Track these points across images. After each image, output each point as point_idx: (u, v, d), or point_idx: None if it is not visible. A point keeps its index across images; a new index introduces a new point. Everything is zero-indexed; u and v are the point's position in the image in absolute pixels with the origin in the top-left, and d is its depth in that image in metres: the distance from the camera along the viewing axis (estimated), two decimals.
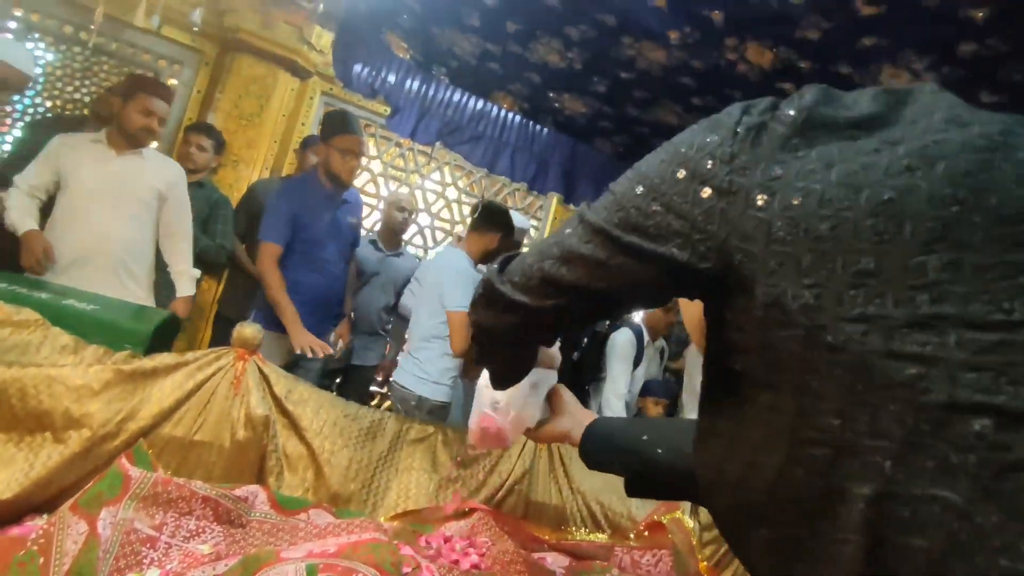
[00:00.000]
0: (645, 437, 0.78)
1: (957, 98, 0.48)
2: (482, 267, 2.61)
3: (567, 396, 0.95)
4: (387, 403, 4.16)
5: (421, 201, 4.58)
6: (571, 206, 2.83)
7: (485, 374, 0.96)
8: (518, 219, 3.01)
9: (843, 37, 1.56)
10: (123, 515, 0.89)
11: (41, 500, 1.39)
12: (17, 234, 2.25)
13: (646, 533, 1.57)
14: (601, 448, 0.84)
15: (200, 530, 0.96)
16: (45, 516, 1.32)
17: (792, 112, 0.49)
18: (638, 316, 3.32)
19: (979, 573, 0.36)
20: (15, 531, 1.15)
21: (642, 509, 1.97)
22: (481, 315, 0.67)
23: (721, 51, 1.72)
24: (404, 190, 4.44)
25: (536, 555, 1.28)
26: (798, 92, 0.51)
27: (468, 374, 2.55)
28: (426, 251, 4.58)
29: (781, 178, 0.46)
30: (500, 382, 0.80)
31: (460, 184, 4.68)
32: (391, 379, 2.66)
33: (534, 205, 4.82)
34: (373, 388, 4.08)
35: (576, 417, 0.91)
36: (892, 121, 0.46)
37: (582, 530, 1.71)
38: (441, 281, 2.52)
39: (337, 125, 2.52)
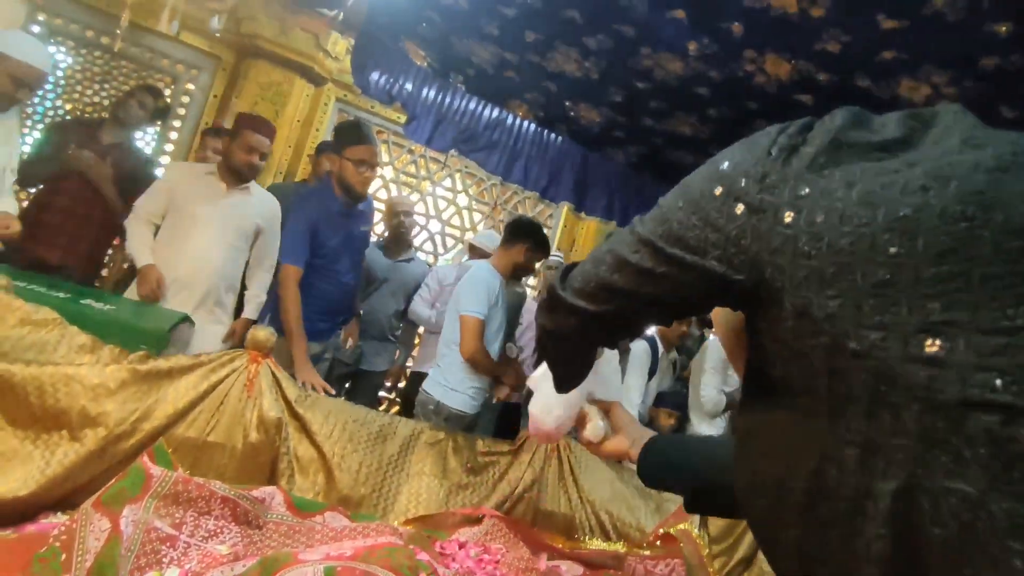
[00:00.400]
0: (701, 457, 0.81)
1: (977, 120, 0.50)
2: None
3: (625, 414, 0.98)
4: (395, 408, 4.16)
5: (432, 208, 4.60)
6: (582, 215, 2.83)
7: (538, 371, 0.99)
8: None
9: (863, 50, 1.56)
10: (144, 513, 0.89)
11: (57, 497, 1.39)
12: (136, 264, 2.38)
13: (658, 543, 1.56)
14: (659, 467, 0.86)
15: (219, 530, 0.96)
16: (60, 514, 1.33)
17: (822, 134, 0.52)
18: (651, 328, 3.31)
19: (993, 557, 0.39)
20: (31, 528, 1.16)
21: (651, 520, 1.96)
22: (546, 319, 0.71)
23: (739, 62, 1.72)
24: (414, 197, 4.46)
25: (550, 563, 1.27)
26: (830, 114, 0.54)
27: (501, 394, 2.56)
28: (436, 257, 4.59)
29: (807, 196, 0.49)
30: (562, 384, 0.84)
31: (471, 192, 4.70)
32: (421, 386, 2.66)
33: (544, 214, 4.84)
34: (382, 394, 4.08)
35: (634, 435, 0.93)
36: (915, 143, 0.49)
37: (595, 539, 1.69)
38: (460, 288, 2.55)
39: (351, 135, 2.48)
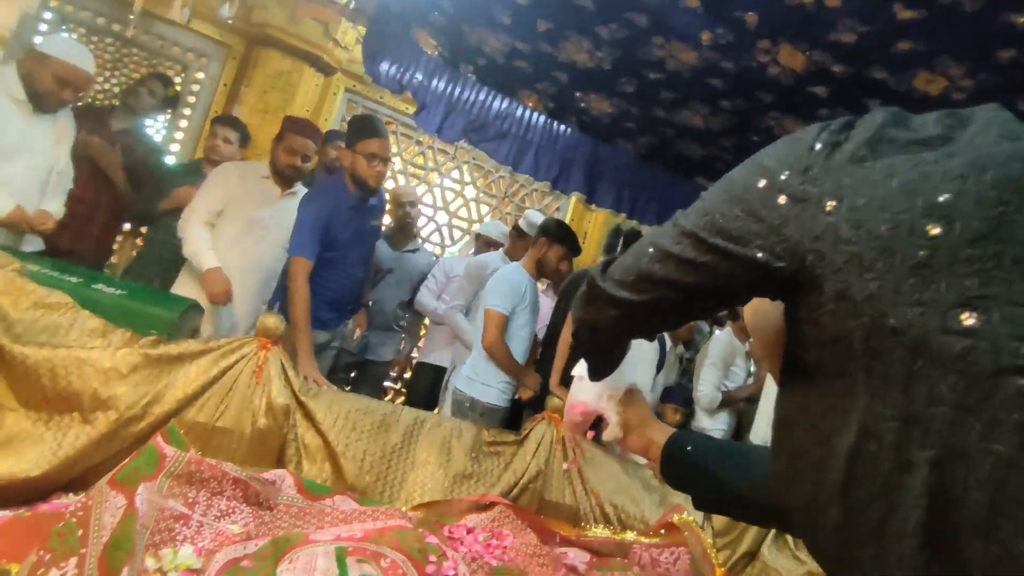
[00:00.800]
0: (724, 459, 0.83)
1: (1014, 116, 0.54)
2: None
3: (645, 410, 0.98)
4: (400, 399, 4.17)
5: (440, 199, 4.60)
6: (592, 207, 2.82)
7: (577, 369, 1.00)
8: (539, 219, 3.01)
9: (879, 41, 1.54)
10: (158, 492, 0.89)
11: (68, 479, 1.41)
12: (200, 267, 2.42)
13: (662, 531, 1.56)
14: (680, 466, 0.87)
15: (230, 510, 0.97)
16: (71, 495, 1.34)
17: (863, 131, 0.55)
18: None
19: None
20: (44, 508, 1.17)
21: (656, 513, 1.96)
22: (583, 312, 0.74)
23: (753, 53, 1.71)
24: (421, 188, 4.45)
25: (558, 550, 1.28)
26: (870, 113, 0.57)
27: (524, 395, 2.59)
28: (443, 249, 4.59)
29: (849, 186, 0.52)
30: (596, 373, 0.88)
31: (479, 184, 4.70)
32: (454, 385, 2.68)
33: (551, 207, 4.83)
34: (387, 384, 4.09)
35: (653, 430, 0.94)
36: (953, 139, 0.52)
37: (600, 527, 1.70)
38: (489, 286, 2.62)
39: (362, 129, 2.45)
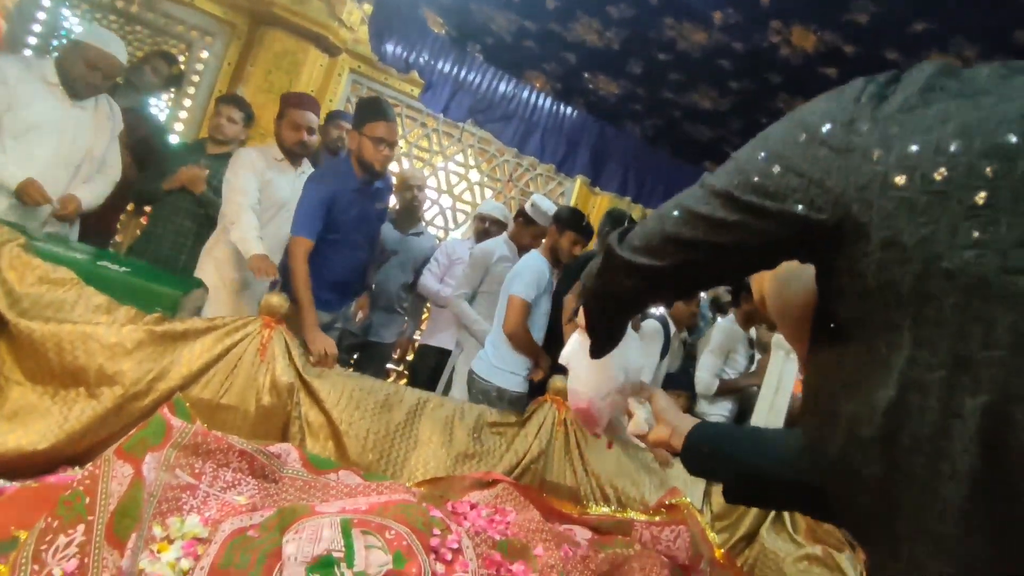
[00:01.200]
0: (747, 445, 0.82)
1: None
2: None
3: (664, 402, 0.97)
4: (403, 380, 4.19)
5: (444, 183, 4.58)
6: (597, 189, 2.80)
7: (567, 349, 0.99)
8: (546, 204, 2.99)
9: (893, 21, 1.51)
10: (165, 461, 0.90)
11: (73, 453, 1.42)
12: (247, 252, 2.41)
13: (663, 510, 1.57)
14: (703, 456, 0.86)
15: (236, 482, 0.98)
16: (77, 468, 1.35)
17: (912, 81, 0.54)
18: (661, 308, 3.29)
19: None
20: (51, 479, 1.18)
21: (655, 495, 1.97)
22: (598, 283, 0.72)
23: (765, 33, 1.68)
24: (426, 171, 4.43)
25: (561, 527, 1.29)
26: (917, 65, 0.56)
27: (536, 376, 2.62)
28: (447, 232, 4.58)
29: (898, 135, 0.51)
30: (599, 350, 0.86)
31: (483, 168, 4.67)
32: (470, 370, 2.69)
33: (555, 192, 4.80)
34: (390, 365, 4.10)
35: (673, 423, 0.92)
36: (1008, 85, 0.51)
37: (601, 506, 1.71)
38: (512, 273, 2.64)
39: (369, 111, 2.42)
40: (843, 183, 0.52)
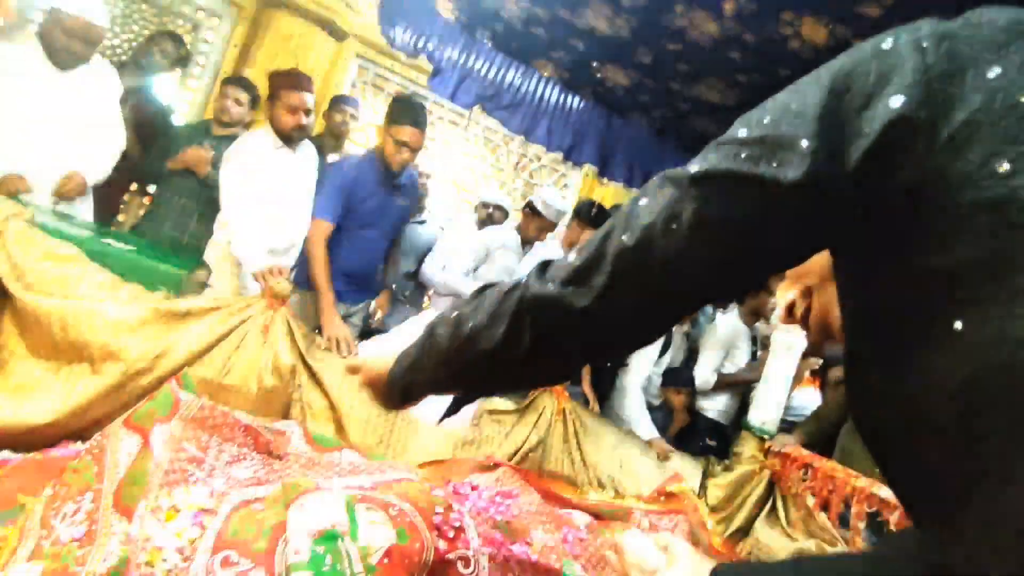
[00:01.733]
0: None
1: None
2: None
3: (681, 546, 0.80)
4: None
5: (448, 170, 4.57)
6: (604, 180, 2.80)
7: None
8: (556, 200, 2.97)
9: (905, 14, 1.50)
10: (173, 434, 0.91)
11: (77, 428, 1.42)
12: (244, 265, 2.31)
13: (662, 498, 1.58)
14: None
15: (241, 456, 0.98)
16: (80, 443, 1.36)
17: (980, 19, 0.47)
18: None
19: None
20: (55, 451, 1.19)
21: (652, 485, 1.98)
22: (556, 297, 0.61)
23: (776, 25, 1.67)
24: (431, 160, 4.42)
25: (561, 511, 1.30)
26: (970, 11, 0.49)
27: None
28: (450, 221, 4.58)
29: (998, 79, 0.43)
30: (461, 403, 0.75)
31: (487, 158, 4.66)
32: None
33: (560, 182, 4.79)
34: None
35: (693, 567, 0.76)
36: None
37: (600, 492, 1.72)
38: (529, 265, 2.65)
39: (400, 114, 2.40)
40: (923, 144, 0.44)
